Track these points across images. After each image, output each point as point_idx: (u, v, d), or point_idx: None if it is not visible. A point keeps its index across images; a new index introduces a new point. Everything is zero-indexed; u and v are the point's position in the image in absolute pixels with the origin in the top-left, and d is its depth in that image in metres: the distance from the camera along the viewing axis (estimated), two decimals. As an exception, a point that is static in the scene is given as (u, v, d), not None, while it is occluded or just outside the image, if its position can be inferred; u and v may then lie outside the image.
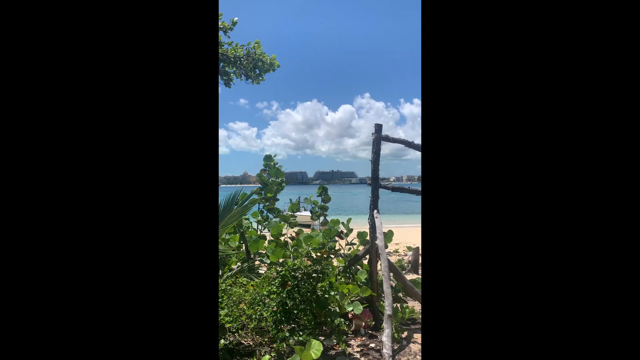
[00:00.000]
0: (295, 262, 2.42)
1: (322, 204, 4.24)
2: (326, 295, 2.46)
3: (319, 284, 2.41)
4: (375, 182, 3.54)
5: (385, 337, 2.57)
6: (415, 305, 3.98)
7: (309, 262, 2.51)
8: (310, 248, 2.72)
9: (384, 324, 2.69)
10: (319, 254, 3.46)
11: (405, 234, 12.97)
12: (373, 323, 3.15)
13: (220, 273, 2.90)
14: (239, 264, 3.40)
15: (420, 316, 3.69)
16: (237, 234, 3.62)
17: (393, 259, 7.07)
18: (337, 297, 2.77)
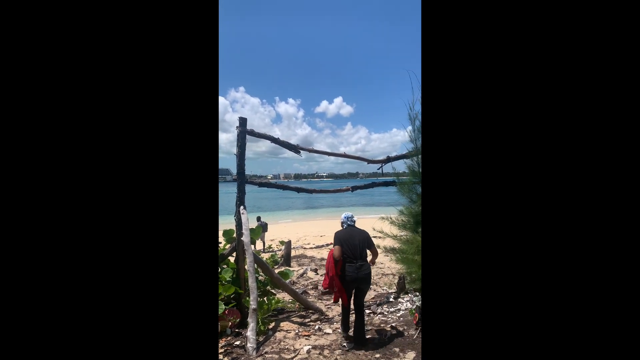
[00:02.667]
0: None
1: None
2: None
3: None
4: (242, 178, 3.48)
5: (250, 331, 2.56)
6: (285, 296, 4.16)
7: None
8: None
9: (248, 318, 2.67)
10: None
11: (282, 229, 13.40)
12: (237, 321, 3.09)
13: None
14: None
15: (289, 305, 3.87)
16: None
17: (266, 254, 7.18)
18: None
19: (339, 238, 2.64)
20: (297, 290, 4.66)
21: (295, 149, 3.77)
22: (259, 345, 2.65)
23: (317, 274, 5.91)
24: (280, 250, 7.54)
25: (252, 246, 3.29)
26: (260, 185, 3.74)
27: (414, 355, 2.42)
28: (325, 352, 2.57)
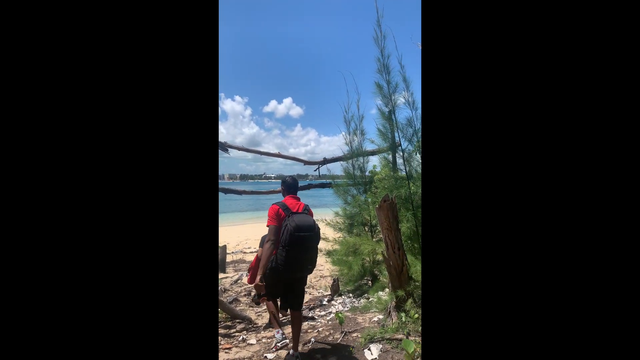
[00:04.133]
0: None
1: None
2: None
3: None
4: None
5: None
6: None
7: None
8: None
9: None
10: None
11: (223, 233, 12.74)
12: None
13: None
14: None
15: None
16: None
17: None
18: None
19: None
20: (227, 297, 4.37)
21: (222, 147, 3.52)
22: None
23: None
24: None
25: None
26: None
27: (335, 359, 2.36)
28: (246, 366, 2.38)
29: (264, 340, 2.83)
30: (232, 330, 3.16)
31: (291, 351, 2.22)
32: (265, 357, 2.45)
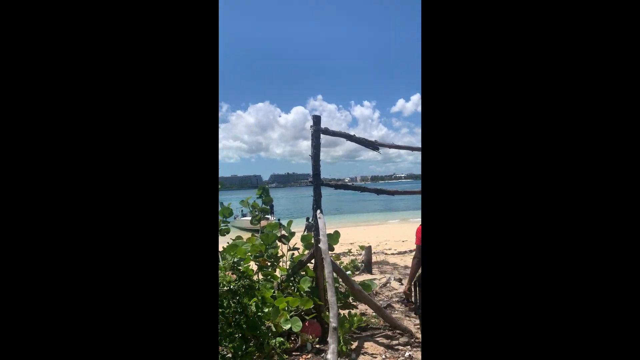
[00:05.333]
0: (218, 278, 2.01)
1: (263, 206, 3.83)
2: (259, 314, 2.07)
3: (249, 301, 2.01)
4: (317, 180, 3.24)
5: (331, 354, 2.26)
6: (368, 309, 3.76)
7: (234, 277, 2.10)
8: (235, 259, 2.33)
9: (329, 338, 2.37)
10: (257, 263, 3.05)
11: (361, 233, 13.03)
12: (316, 339, 2.83)
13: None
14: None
15: (372, 320, 3.47)
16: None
17: (347, 259, 6.89)
18: (275, 312, 2.40)
19: None
20: (380, 303, 4.22)
21: (372, 145, 3.37)
22: (341, 369, 2.33)
23: (402, 284, 5.33)
24: (360, 254, 7.17)
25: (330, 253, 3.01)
26: (337, 187, 3.45)
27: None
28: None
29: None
30: (394, 342, 2.94)
31: None
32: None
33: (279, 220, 3.89)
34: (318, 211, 3.18)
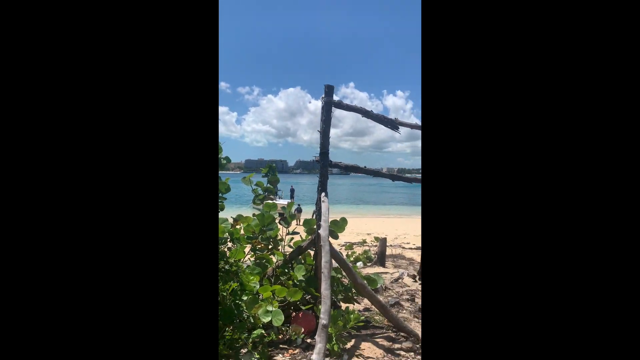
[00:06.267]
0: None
1: (268, 185, 3.56)
2: (237, 302, 1.82)
3: (225, 286, 1.76)
4: (324, 160, 2.90)
5: (316, 354, 1.97)
6: (373, 306, 3.44)
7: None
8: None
9: (317, 335, 2.09)
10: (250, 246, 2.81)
11: (381, 224, 12.59)
12: (307, 333, 2.56)
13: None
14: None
15: (375, 318, 3.15)
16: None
17: (360, 249, 6.57)
18: (252, 301, 2.13)
19: None
20: (388, 300, 3.87)
21: (392, 123, 2.97)
22: (327, 372, 2.05)
23: (416, 281, 4.93)
24: (375, 246, 6.81)
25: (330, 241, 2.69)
26: (346, 168, 3.09)
27: None
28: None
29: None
30: (396, 346, 2.60)
31: None
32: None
33: (299, 205, 3.64)
34: (322, 194, 2.86)
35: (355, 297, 3.29)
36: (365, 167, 3.12)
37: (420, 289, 4.54)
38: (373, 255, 6.23)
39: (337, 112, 2.93)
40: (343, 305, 3.19)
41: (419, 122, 3.15)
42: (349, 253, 5.77)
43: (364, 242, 7.76)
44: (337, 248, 3.05)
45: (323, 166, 2.89)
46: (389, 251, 7.18)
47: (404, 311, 3.56)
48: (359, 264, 5.44)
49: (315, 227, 2.94)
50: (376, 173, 3.16)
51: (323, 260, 2.44)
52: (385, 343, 2.66)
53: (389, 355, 2.46)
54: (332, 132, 2.96)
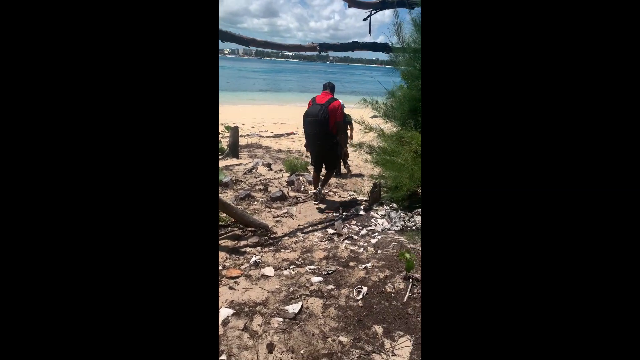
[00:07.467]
0: None
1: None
2: None
3: None
4: None
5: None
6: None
7: None
8: None
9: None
10: None
11: (237, 112, 11.60)
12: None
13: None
14: None
15: (221, 215, 2.77)
16: None
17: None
18: None
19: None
20: (239, 193, 3.53)
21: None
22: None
23: (272, 169, 4.76)
24: (226, 137, 6.12)
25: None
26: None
27: (410, 342, 1.50)
28: (256, 322, 1.54)
29: (285, 271, 1.98)
30: (242, 243, 2.34)
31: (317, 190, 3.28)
32: (286, 310, 1.60)
33: None
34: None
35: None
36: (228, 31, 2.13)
37: (275, 177, 4.41)
38: (225, 147, 5.62)
39: None
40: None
41: None
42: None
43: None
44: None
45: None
46: (244, 141, 6.69)
47: (256, 202, 3.32)
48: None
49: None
50: (228, 37, 2.23)
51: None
52: (230, 243, 2.36)
53: (233, 255, 2.18)
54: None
